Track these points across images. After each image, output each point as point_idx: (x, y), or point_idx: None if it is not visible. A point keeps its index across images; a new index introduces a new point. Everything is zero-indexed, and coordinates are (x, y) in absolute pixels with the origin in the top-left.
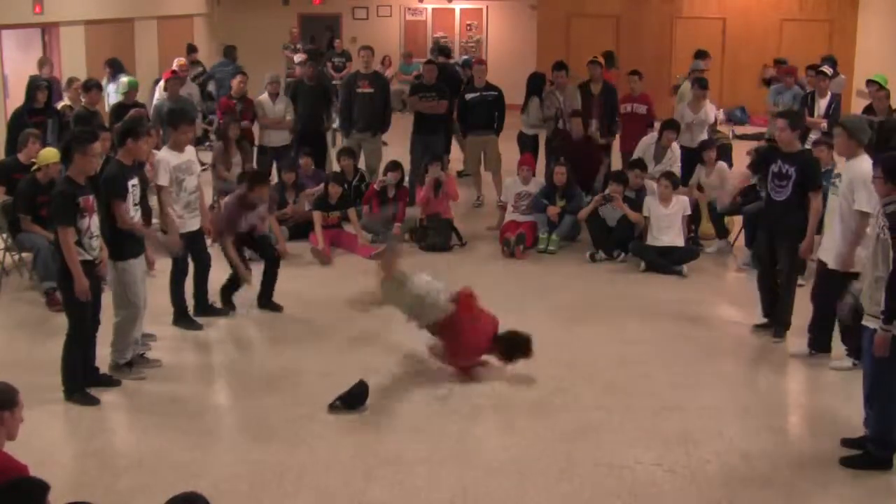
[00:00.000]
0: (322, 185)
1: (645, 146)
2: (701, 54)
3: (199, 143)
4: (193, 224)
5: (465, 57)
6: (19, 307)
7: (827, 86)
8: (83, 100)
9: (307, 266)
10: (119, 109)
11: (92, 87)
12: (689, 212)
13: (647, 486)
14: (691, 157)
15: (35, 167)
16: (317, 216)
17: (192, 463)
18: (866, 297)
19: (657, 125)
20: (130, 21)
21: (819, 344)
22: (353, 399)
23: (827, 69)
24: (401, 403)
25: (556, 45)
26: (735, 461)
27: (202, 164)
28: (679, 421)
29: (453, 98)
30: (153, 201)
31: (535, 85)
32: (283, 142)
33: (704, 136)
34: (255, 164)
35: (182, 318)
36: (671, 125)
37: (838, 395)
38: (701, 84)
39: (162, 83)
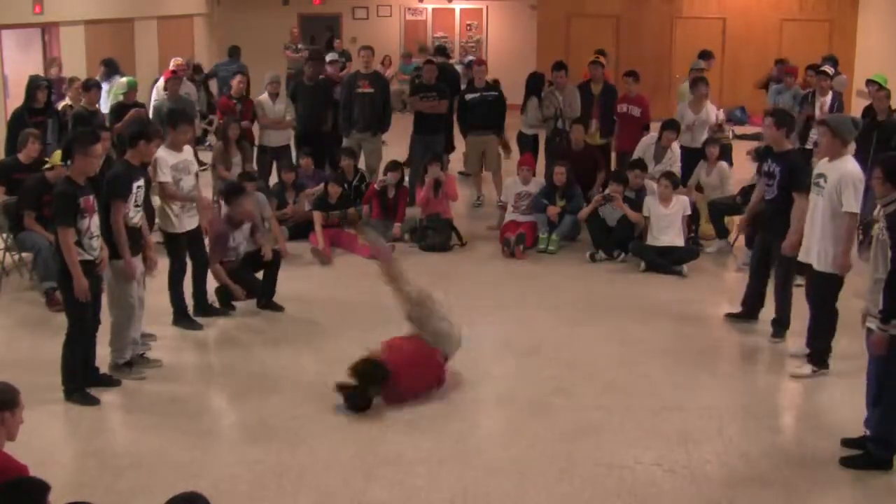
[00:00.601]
0: (322, 185)
1: (645, 146)
2: (705, 55)
3: (198, 142)
4: (191, 223)
5: (471, 57)
6: (19, 307)
7: (828, 85)
8: (83, 100)
9: (307, 266)
10: (119, 109)
11: (92, 86)
12: (689, 212)
13: (647, 486)
14: (691, 158)
15: (48, 166)
16: (317, 216)
17: (191, 463)
18: (867, 299)
19: (654, 126)
20: (130, 21)
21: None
22: (355, 401)
23: (828, 68)
24: (401, 403)
25: (556, 45)
26: (735, 461)
27: (202, 164)
28: (679, 421)
29: (453, 98)
30: (156, 200)
31: (534, 85)
32: (283, 142)
33: (705, 136)
34: (254, 164)
35: (182, 318)
36: (671, 125)
37: (838, 395)
38: (696, 84)
39: (161, 83)
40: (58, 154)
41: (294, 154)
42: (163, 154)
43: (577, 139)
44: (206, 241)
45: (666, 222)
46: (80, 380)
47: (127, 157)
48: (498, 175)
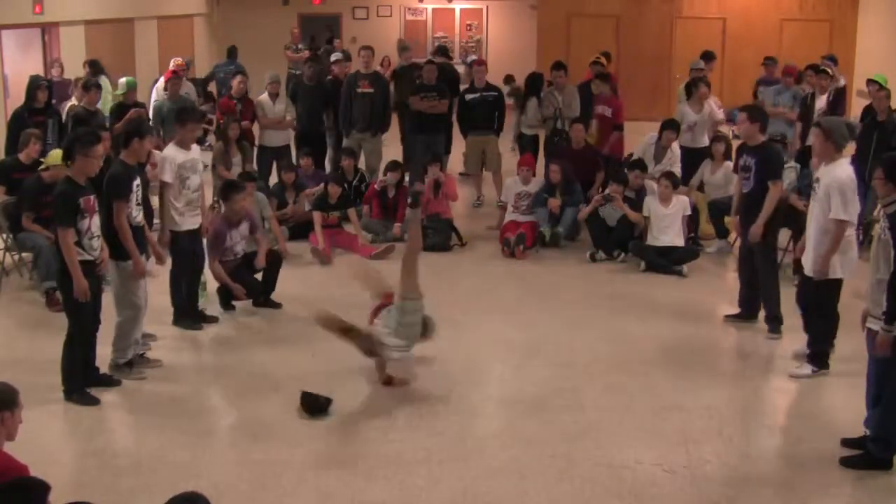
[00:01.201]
0: (322, 185)
1: (645, 146)
2: (706, 56)
3: (198, 142)
4: (194, 222)
5: (473, 57)
6: (19, 307)
7: (827, 85)
8: (83, 100)
9: (307, 266)
10: (119, 109)
11: (91, 86)
12: (689, 212)
13: (647, 486)
14: (692, 158)
15: (43, 167)
16: (317, 216)
17: (192, 463)
18: (869, 300)
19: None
20: (130, 21)
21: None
22: (315, 405)
23: (829, 67)
24: (401, 403)
25: (556, 45)
26: (735, 461)
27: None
28: (679, 421)
29: (453, 98)
30: (155, 200)
31: (534, 85)
32: (283, 142)
33: (705, 136)
34: (254, 165)
35: (182, 318)
36: (671, 125)
37: (838, 395)
38: (693, 86)
39: (161, 83)
40: (54, 154)
41: (294, 154)
42: (171, 152)
43: (577, 138)
44: (205, 241)
45: (666, 222)
46: (80, 380)
47: (122, 157)
48: (498, 175)
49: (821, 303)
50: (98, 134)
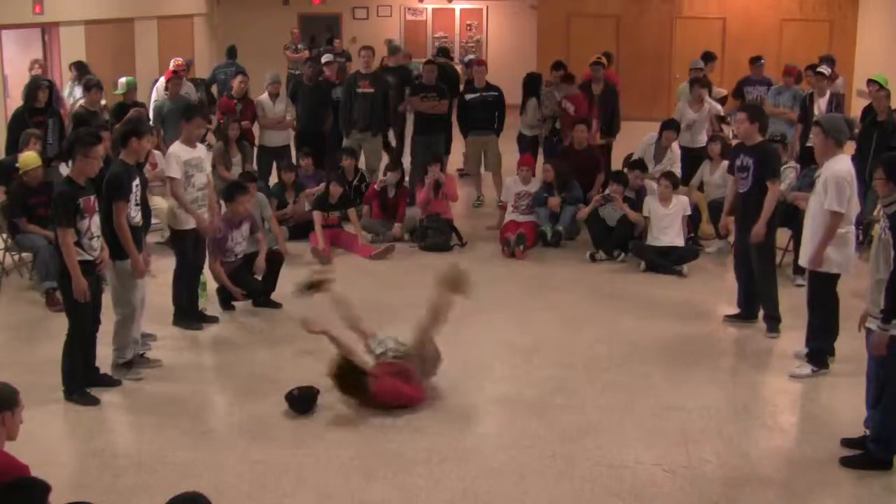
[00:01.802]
0: (322, 185)
1: (645, 146)
2: (707, 57)
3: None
4: (195, 223)
5: (470, 56)
6: (19, 307)
7: (826, 86)
8: (83, 100)
9: (307, 266)
10: (119, 109)
11: (92, 86)
12: (689, 212)
13: (647, 486)
14: (691, 157)
15: (21, 171)
16: (317, 216)
17: (192, 463)
18: (868, 300)
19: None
20: (130, 21)
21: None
22: (301, 403)
23: (825, 69)
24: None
25: (556, 45)
26: (735, 461)
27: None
28: (679, 421)
29: (453, 98)
30: (154, 201)
31: (532, 86)
32: (283, 142)
33: (704, 136)
34: (254, 164)
35: (183, 318)
36: (671, 125)
37: (838, 395)
38: (700, 84)
39: (161, 83)
40: (26, 160)
41: (294, 154)
42: (176, 150)
43: (579, 139)
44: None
45: (666, 222)
46: (80, 380)
47: (122, 157)
48: (498, 175)
49: (816, 297)
50: (98, 135)
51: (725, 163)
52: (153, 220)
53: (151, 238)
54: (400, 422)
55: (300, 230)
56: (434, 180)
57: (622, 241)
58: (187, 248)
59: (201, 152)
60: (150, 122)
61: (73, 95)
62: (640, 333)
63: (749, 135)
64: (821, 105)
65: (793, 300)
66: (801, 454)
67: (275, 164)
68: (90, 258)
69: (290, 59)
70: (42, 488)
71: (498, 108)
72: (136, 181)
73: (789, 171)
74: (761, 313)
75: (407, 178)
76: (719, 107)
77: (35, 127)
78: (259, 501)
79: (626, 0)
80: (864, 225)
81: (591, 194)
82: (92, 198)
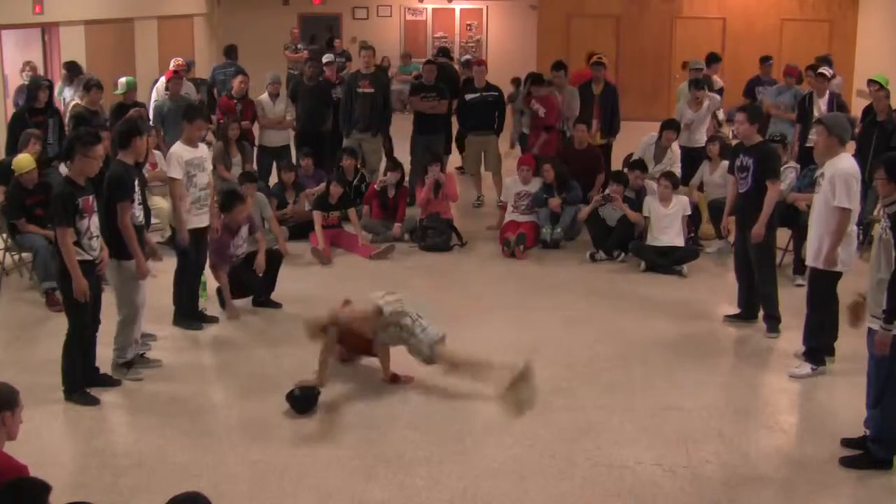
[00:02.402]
0: (322, 185)
1: (645, 146)
2: (712, 57)
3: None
4: (201, 221)
5: (467, 56)
6: (19, 307)
7: (826, 87)
8: (84, 100)
9: (307, 266)
10: (119, 109)
11: (92, 86)
12: (689, 212)
13: (647, 486)
14: (691, 157)
15: (17, 173)
16: (317, 216)
17: (192, 463)
18: (869, 300)
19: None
20: (130, 21)
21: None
22: (302, 402)
23: (826, 70)
24: (401, 403)
25: (556, 45)
26: (735, 461)
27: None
28: (679, 421)
29: (453, 98)
30: (154, 200)
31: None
32: (283, 142)
33: (703, 135)
34: (254, 164)
35: (183, 318)
36: (671, 125)
37: (838, 395)
38: (698, 84)
39: (161, 83)
40: (20, 163)
41: (294, 154)
42: (178, 150)
43: (580, 138)
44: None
45: (666, 222)
46: (80, 380)
47: (122, 157)
48: (498, 175)
49: (817, 295)
50: (98, 135)
51: (725, 163)
52: (153, 220)
53: (152, 238)
54: (400, 422)
55: (300, 230)
56: (434, 180)
57: (622, 241)
58: (189, 248)
59: (203, 152)
60: (150, 122)
61: (62, 96)
62: (640, 333)
63: (749, 135)
64: (821, 105)
65: (793, 300)
66: (801, 454)
67: (275, 164)
68: (90, 258)
69: (290, 59)
70: (42, 488)
71: (498, 107)
72: (136, 181)
73: (789, 171)
74: (761, 313)
75: (407, 178)
76: (718, 98)
77: (35, 127)
78: (259, 501)
79: (626, 0)
80: (864, 225)
81: (591, 194)
82: (91, 198)
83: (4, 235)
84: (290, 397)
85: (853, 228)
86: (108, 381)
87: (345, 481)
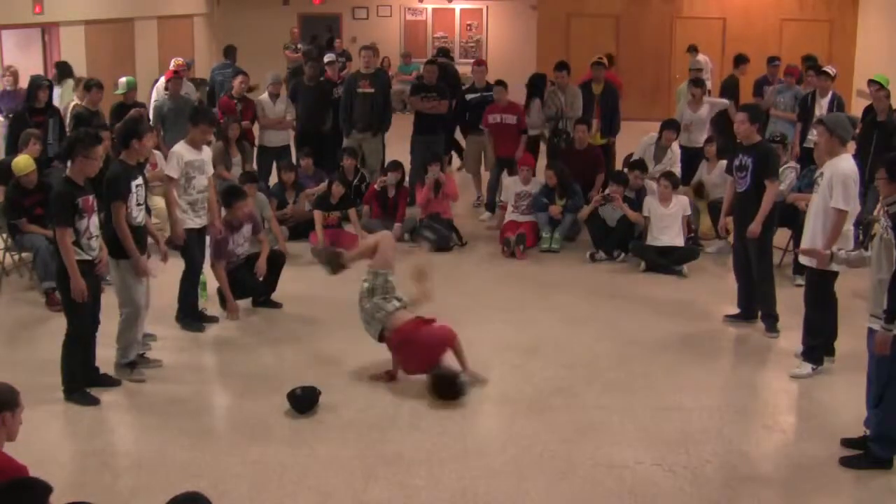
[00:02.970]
0: (322, 185)
1: (645, 146)
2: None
3: None
4: (197, 223)
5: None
6: (19, 307)
7: (829, 86)
8: (84, 100)
9: (307, 266)
10: (119, 109)
11: (92, 86)
12: (689, 212)
13: (647, 486)
14: (691, 157)
15: (17, 174)
16: (317, 216)
17: (192, 463)
18: (869, 300)
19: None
20: (130, 21)
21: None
22: (303, 402)
23: (830, 69)
24: (401, 403)
25: (556, 45)
26: (735, 461)
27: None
28: (679, 421)
29: (453, 98)
30: (154, 201)
31: (537, 86)
32: (283, 142)
33: (703, 135)
34: (254, 164)
35: (185, 317)
36: (671, 125)
37: (838, 395)
38: (697, 84)
39: (161, 83)
40: (18, 165)
41: (294, 154)
42: (180, 149)
43: (581, 139)
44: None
45: (666, 222)
46: (80, 380)
47: (122, 158)
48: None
49: (814, 294)
50: (98, 135)
51: (723, 162)
52: (153, 220)
53: (159, 237)
54: (400, 422)
55: (300, 230)
56: (434, 180)
57: (622, 241)
58: (190, 247)
59: (205, 155)
60: (150, 122)
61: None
62: (640, 333)
63: (748, 134)
64: (822, 105)
65: (792, 300)
66: (801, 454)
67: (275, 165)
68: (89, 258)
69: (291, 59)
70: (42, 489)
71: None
72: (139, 181)
73: (789, 171)
74: (761, 313)
75: (407, 178)
76: (725, 101)
77: (35, 127)
78: (259, 501)
79: (626, 0)
80: (864, 225)
81: (591, 194)
82: (90, 198)
83: (4, 235)
84: (291, 397)
85: (849, 229)
86: (108, 381)
87: (345, 481)
